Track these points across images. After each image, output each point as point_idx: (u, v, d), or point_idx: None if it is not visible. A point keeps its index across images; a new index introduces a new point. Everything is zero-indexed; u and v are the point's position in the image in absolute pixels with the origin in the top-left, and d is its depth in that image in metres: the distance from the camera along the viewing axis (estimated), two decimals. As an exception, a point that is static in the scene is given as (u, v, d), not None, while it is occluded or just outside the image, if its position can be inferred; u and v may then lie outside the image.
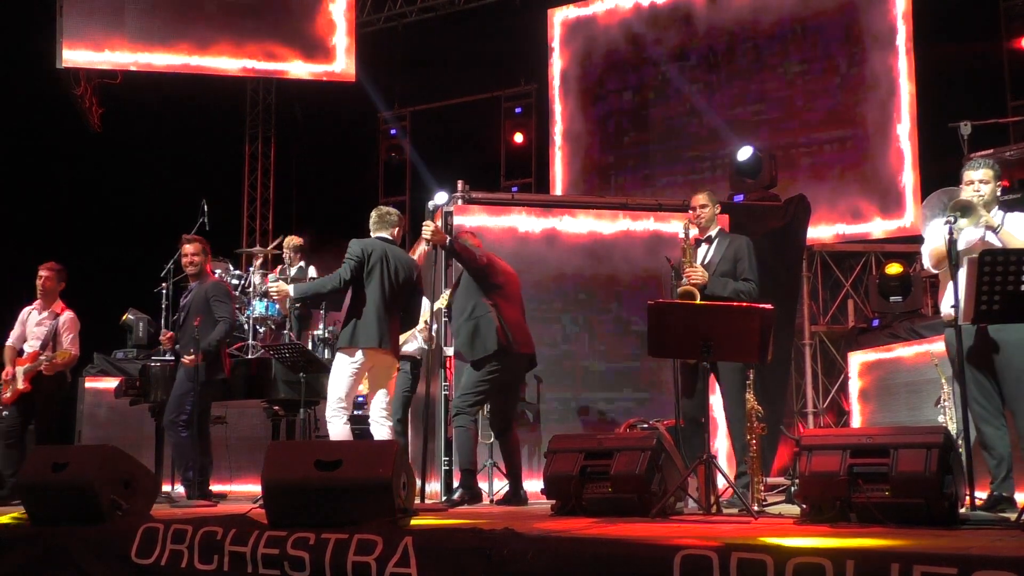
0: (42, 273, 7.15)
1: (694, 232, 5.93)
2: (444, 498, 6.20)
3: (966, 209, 4.59)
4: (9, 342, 7.15)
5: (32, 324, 7.14)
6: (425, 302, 7.07)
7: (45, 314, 7.13)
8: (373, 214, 6.06)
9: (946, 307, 4.87)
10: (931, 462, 3.71)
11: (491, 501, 6.55)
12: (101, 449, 4.61)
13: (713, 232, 5.91)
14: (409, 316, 6.02)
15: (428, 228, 5.78)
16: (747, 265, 5.73)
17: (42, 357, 6.89)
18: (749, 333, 4.60)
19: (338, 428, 5.62)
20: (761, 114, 10.72)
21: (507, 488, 6.14)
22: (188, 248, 6.78)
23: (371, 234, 5.99)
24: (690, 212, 6.02)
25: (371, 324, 5.66)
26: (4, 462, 6.79)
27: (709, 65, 11.07)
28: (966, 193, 4.80)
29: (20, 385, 6.90)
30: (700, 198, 5.93)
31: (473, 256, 5.86)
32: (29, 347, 7.08)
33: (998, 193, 4.87)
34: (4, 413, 6.93)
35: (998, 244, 4.65)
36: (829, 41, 10.43)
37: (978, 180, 4.83)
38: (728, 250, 5.78)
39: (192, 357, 6.33)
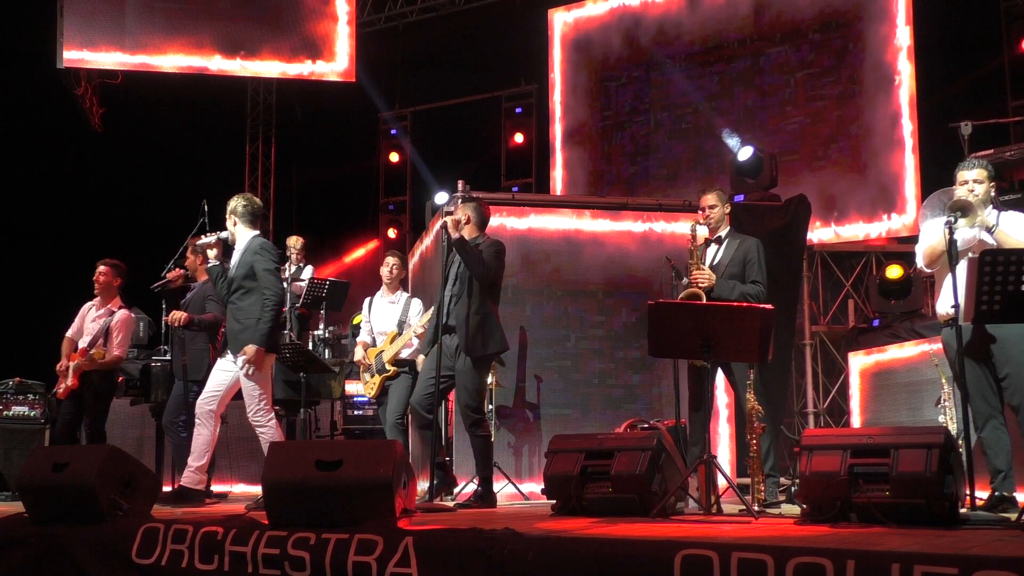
0: (99, 268, 7.14)
1: (703, 232, 5.89)
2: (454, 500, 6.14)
3: (965, 209, 4.60)
4: (68, 333, 7.17)
5: (89, 320, 7.15)
6: (420, 305, 7.07)
7: (102, 311, 7.13)
8: (244, 204, 5.79)
9: (943, 307, 4.88)
10: (932, 462, 3.71)
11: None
12: (101, 449, 4.61)
13: (723, 233, 5.83)
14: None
15: (452, 219, 5.65)
16: (756, 267, 5.67)
17: (88, 356, 6.90)
18: (750, 333, 4.60)
19: (278, 431, 5.69)
20: (762, 114, 10.71)
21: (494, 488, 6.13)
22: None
23: (239, 227, 5.79)
24: (699, 212, 5.93)
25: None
26: None
27: (710, 65, 11.06)
28: (961, 192, 4.81)
29: (69, 381, 6.93)
30: (710, 198, 5.85)
31: (482, 263, 5.68)
32: (82, 343, 7.10)
33: (992, 193, 4.87)
34: (60, 410, 7.03)
35: (993, 243, 4.66)
36: (830, 41, 10.42)
37: (972, 180, 4.83)
38: (737, 252, 5.73)
39: (181, 316, 6.36)
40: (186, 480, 5.72)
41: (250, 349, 5.56)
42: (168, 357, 7.29)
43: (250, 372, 5.59)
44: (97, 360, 6.86)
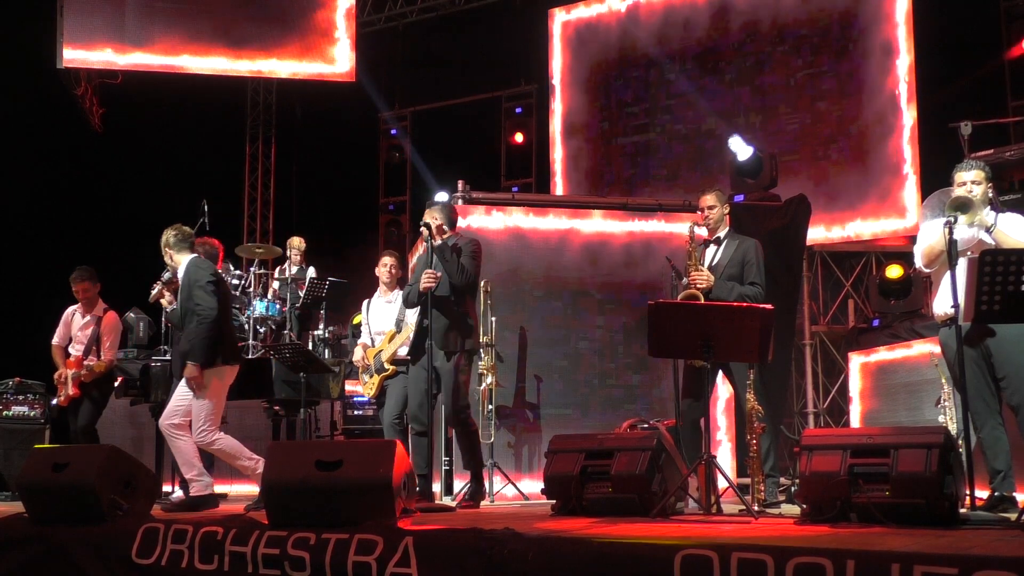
0: (78, 286, 7.20)
1: (702, 233, 5.89)
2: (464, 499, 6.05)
3: (964, 206, 4.60)
4: (55, 341, 7.29)
5: (76, 328, 7.27)
6: None
7: (88, 317, 7.24)
8: (174, 234, 5.90)
9: (940, 308, 4.88)
10: (931, 462, 3.71)
11: (491, 500, 6.55)
12: (101, 449, 4.62)
13: (722, 233, 5.84)
14: None
15: (436, 223, 5.82)
16: (755, 269, 5.68)
17: (84, 367, 7.05)
18: (749, 333, 4.60)
19: (230, 442, 5.73)
20: (762, 114, 10.72)
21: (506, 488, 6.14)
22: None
23: (176, 257, 5.88)
24: (698, 213, 5.95)
25: (233, 340, 5.91)
26: None
27: (710, 65, 11.06)
28: (959, 192, 4.80)
29: (70, 391, 7.07)
30: (709, 199, 5.85)
31: (462, 271, 5.74)
32: (74, 350, 7.20)
33: (990, 195, 4.88)
34: (68, 420, 7.21)
35: (991, 243, 4.67)
36: (830, 42, 10.42)
37: (970, 181, 4.83)
38: (736, 253, 5.73)
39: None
40: (194, 490, 5.72)
41: (188, 369, 5.61)
42: (168, 357, 7.30)
43: (195, 391, 5.63)
44: (95, 373, 7.05)
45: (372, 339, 7.03)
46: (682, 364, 6.04)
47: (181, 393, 5.76)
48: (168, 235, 5.93)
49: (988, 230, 4.70)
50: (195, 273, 5.77)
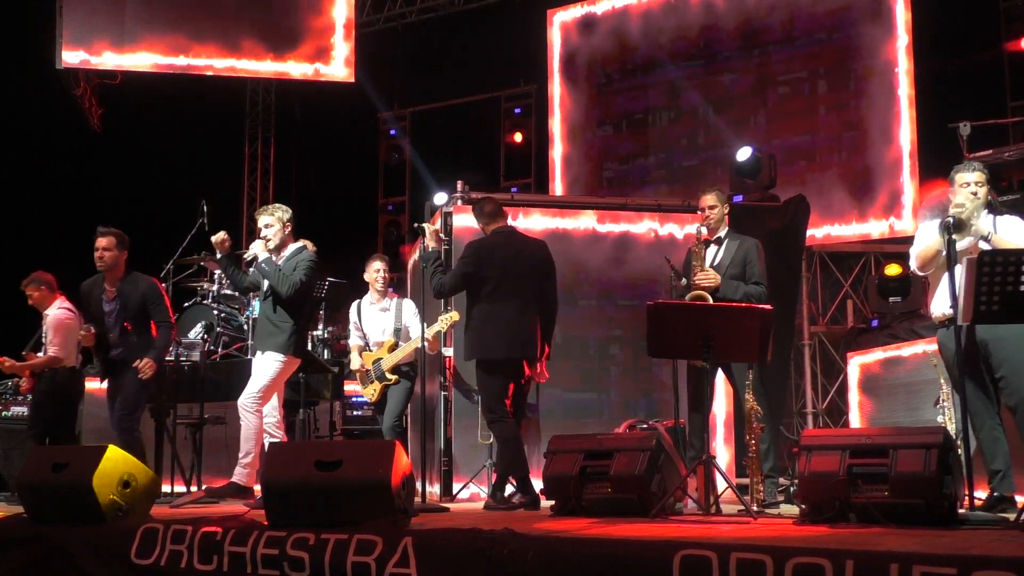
0: (27, 291, 7.38)
1: (703, 232, 5.88)
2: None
3: (959, 226, 4.59)
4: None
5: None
6: (413, 306, 7.02)
7: (44, 315, 7.32)
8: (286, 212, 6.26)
9: (937, 308, 4.88)
10: (931, 462, 3.72)
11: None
12: (101, 449, 4.61)
13: (722, 233, 5.83)
14: None
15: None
16: (757, 268, 5.69)
17: (21, 354, 7.22)
18: (749, 333, 4.60)
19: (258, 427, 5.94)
20: (761, 114, 10.72)
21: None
22: (101, 242, 6.43)
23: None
24: (699, 213, 5.95)
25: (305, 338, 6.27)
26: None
27: (710, 66, 11.06)
28: (962, 195, 4.79)
29: (24, 383, 7.21)
30: (709, 198, 5.84)
31: (434, 284, 5.93)
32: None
33: (989, 196, 4.88)
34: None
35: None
36: (830, 42, 10.43)
37: (973, 182, 4.83)
38: (737, 253, 5.73)
39: (147, 363, 6.18)
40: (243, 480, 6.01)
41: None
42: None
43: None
44: (30, 363, 7.10)
45: (366, 343, 7.01)
46: (682, 364, 6.05)
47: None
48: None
49: (987, 239, 4.68)
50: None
